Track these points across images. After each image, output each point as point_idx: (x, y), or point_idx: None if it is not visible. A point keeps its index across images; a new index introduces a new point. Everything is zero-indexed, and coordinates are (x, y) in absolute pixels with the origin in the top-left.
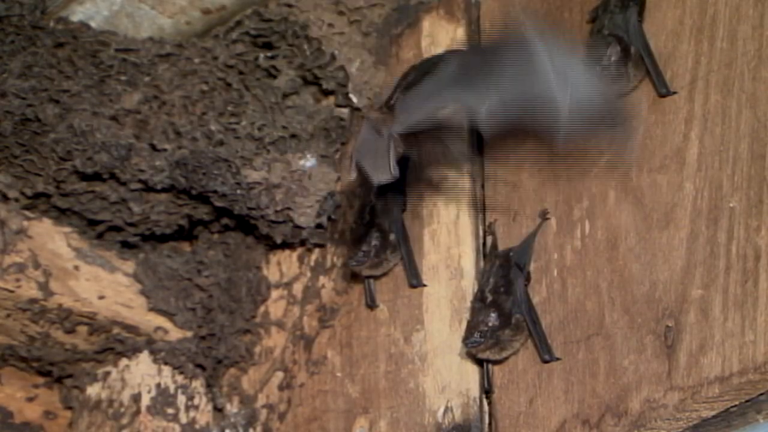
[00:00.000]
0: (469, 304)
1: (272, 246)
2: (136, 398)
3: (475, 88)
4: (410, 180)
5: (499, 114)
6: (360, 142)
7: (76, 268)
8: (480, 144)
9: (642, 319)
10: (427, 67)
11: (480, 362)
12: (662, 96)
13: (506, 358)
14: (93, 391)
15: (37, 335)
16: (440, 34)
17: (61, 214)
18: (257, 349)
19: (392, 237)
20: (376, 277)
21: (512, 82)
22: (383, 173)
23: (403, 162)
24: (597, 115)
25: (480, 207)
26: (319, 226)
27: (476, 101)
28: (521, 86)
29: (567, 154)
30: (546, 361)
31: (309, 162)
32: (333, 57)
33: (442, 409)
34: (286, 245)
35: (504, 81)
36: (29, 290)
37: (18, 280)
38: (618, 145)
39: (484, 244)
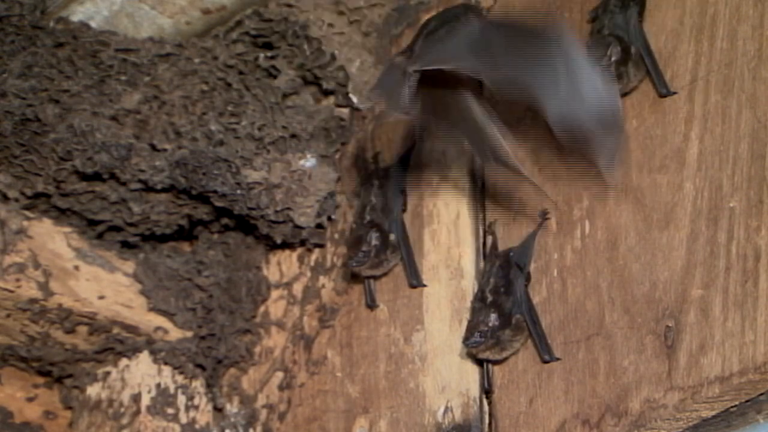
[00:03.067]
0: (469, 304)
1: (272, 246)
2: (136, 398)
3: (489, 60)
4: (410, 180)
5: (505, 84)
6: (381, 76)
7: (76, 268)
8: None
9: (642, 319)
10: (449, 18)
11: (480, 362)
12: (662, 96)
13: (506, 358)
14: (93, 391)
15: (37, 335)
16: None
17: (61, 214)
18: (257, 349)
19: (392, 237)
20: (376, 277)
21: (526, 63)
22: (397, 104)
23: (403, 162)
24: (596, 121)
25: (480, 207)
26: (319, 226)
27: (489, 73)
28: (532, 70)
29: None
30: (546, 361)
31: (309, 162)
32: (333, 57)
33: (442, 409)
34: (286, 245)
35: (519, 61)
36: (29, 290)
37: (18, 280)
38: (607, 152)
39: (484, 244)
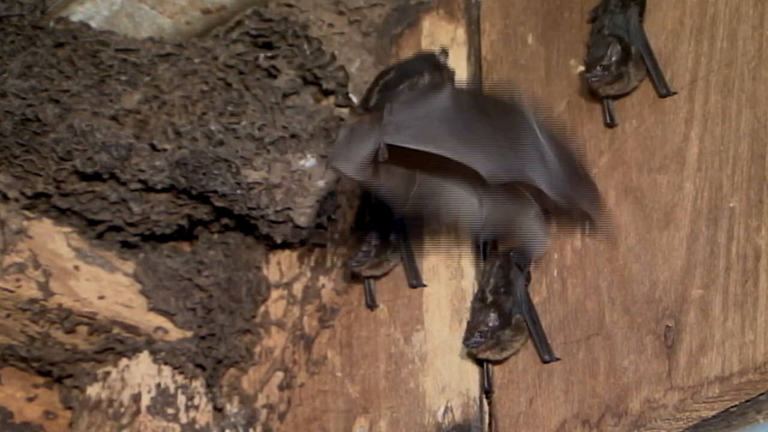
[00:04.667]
0: (469, 304)
1: (272, 246)
2: (136, 398)
3: (475, 148)
4: None
5: (497, 176)
6: (337, 144)
7: (76, 268)
8: None
9: (642, 319)
10: (409, 72)
11: (480, 362)
12: (662, 96)
13: (506, 359)
14: (93, 391)
15: (37, 335)
16: (440, 34)
17: (61, 214)
18: (257, 349)
19: (392, 237)
20: (376, 277)
21: (509, 143)
22: (355, 169)
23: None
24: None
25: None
26: (319, 226)
27: (477, 164)
28: (518, 150)
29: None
30: (546, 361)
31: (309, 162)
32: (333, 57)
33: (442, 409)
34: (286, 245)
35: (501, 141)
36: (29, 290)
37: (18, 280)
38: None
39: (485, 244)
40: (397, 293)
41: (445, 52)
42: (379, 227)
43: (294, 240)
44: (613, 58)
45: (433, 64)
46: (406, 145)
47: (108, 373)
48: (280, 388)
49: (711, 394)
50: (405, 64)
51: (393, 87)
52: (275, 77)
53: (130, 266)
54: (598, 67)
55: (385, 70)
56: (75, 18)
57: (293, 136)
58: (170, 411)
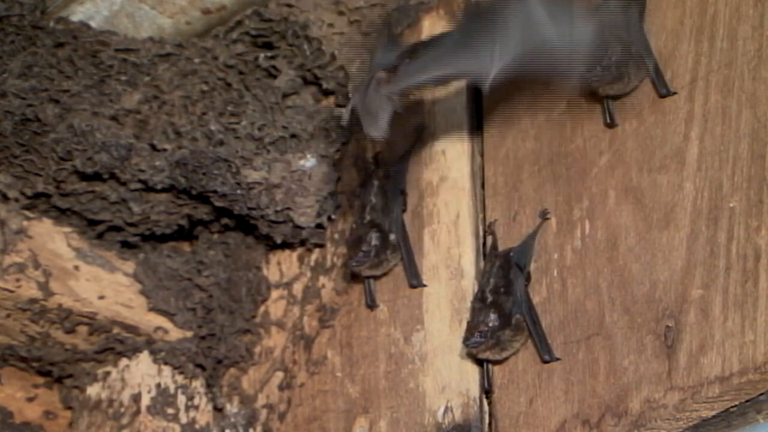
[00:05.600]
0: (469, 304)
1: (272, 246)
2: (136, 398)
3: (477, 53)
4: (410, 180)
5: (502, 74)
6: (361, 96)
7: (76, 268)
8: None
9: (642, 319)
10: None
11: (480, 362)
12: (662, 96)
13: (506, 359)
14: (93, 391)
15: (37, 335)
16: None
17: (61, 214)
18: (257, 349)
19: (392, 237)
20: (376, 277)
21: (513, 41)
22: (377, 129)
23: (403, 161)
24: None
25: (480, 207)
26: (319, 226)
27: (479, 67)
28: (522, 43)
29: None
30: (546, 361)
31: (309, 162)
32: (333, 57)
33: (442, 409)
34: (286, 245)
35: (504, 41)
36: (29, 290)
37: (18, 280)
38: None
39: (484, 244)
40: (397, 293)
41: None
42: (379, 227)
43: (294, 240)
44: (613, 58)
45: None
46: (412, 87)
47: (108, 373)
48: (280, 388)
49: (711, 394)
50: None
51: (417, 51)
52: (275, 77)
53: (130, 266)
54: (598, 67)
55: (411, 44)
56: (75, 18)
57: (293, 136)
58: (170, 411)
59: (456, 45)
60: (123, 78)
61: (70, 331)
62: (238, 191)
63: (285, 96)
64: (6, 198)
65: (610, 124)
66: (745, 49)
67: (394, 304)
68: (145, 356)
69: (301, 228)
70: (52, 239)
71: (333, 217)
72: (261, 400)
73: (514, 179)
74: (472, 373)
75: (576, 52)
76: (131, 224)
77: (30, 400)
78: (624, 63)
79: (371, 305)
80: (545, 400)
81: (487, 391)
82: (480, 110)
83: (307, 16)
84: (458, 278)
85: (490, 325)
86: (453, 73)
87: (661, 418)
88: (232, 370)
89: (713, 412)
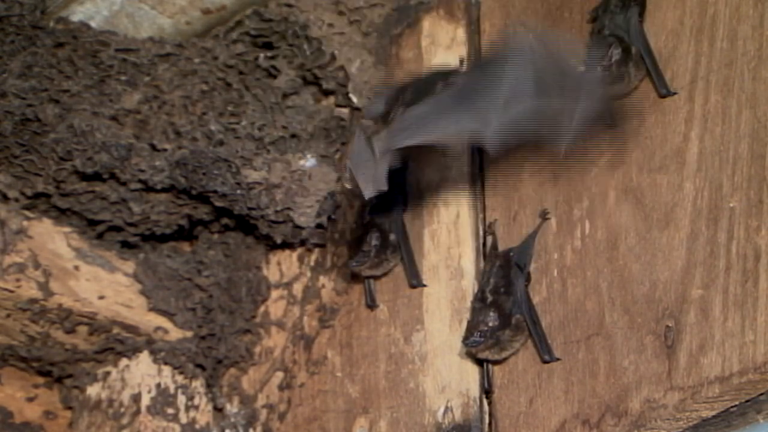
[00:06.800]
0: (469, 304)
1: (272, 246)
2: (136, 398)
3: (477, 111)
4: (410, 180)
5: (503, 134)
6: (354, 151)
7: (76, 268)
8: (481, 157)
9: (642, 319)
10: (426, 87)
11: (480, 362)
12: (662, 96)
13: (506, 358)
14: (93, 391)
15: (37, 335)
16: (440, 34)
17: (61, 214)
18: (257, 349)
19: (392, 237)
20: (376, 277)
21: (514, 100)
22: (376, 186)
23: (404, 162)
24: (598, 117)
25: (480, 207)
26: (319, 226)
27: (480, 125)
28: (524, 102)
29: (568, 154)
30: (546, 362)
31: (309, 162)
32: (333, 57)
33: (442, 409)
34: (286, 245)
35: (505, 100)
36: (29, 290)
37: (18, 280)
38: (617, 144)
39: (484, 244)
40: (397, 293)
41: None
42: (379, 227)
43: (294, 240)
44: (613, 58)
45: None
46: (410, 145)
47: (108, 373)
48: (280, 388)
49: (711, 394)
50: (423, 78)
51: (412, 104)
52: (275, 77)
53: (130, 266)
54: (598, 68)
55: (402, 85)
56: (75, 18)
57: (293, 136)
58: (170, 411)
59: (454, 101)
60: (123, 78)
61: (70, 331)
62: (238, 191)
63: (285, 96)
64: (6, 198)
65: (610, 125)
66: (745, 49)
67: (394, 304)
68: (145, 356)
69: (301, 228)
70: (52, 239)
71: (333, 217)
72: (261, 400)
73: (514, 179)
74: (472, 373)
75: (579, 116)
76: (131, 224)
77: (30, 400)
78: (624, 63)
79: (371, 305)
80: (545, 400)
81: (487, 391)
82: None
83: (307, 16)
84: (458, 278)
85: (490, 324)
86: (451, 130)
87: (661, 418)
88: (232, 370)
89: (713, 412)
